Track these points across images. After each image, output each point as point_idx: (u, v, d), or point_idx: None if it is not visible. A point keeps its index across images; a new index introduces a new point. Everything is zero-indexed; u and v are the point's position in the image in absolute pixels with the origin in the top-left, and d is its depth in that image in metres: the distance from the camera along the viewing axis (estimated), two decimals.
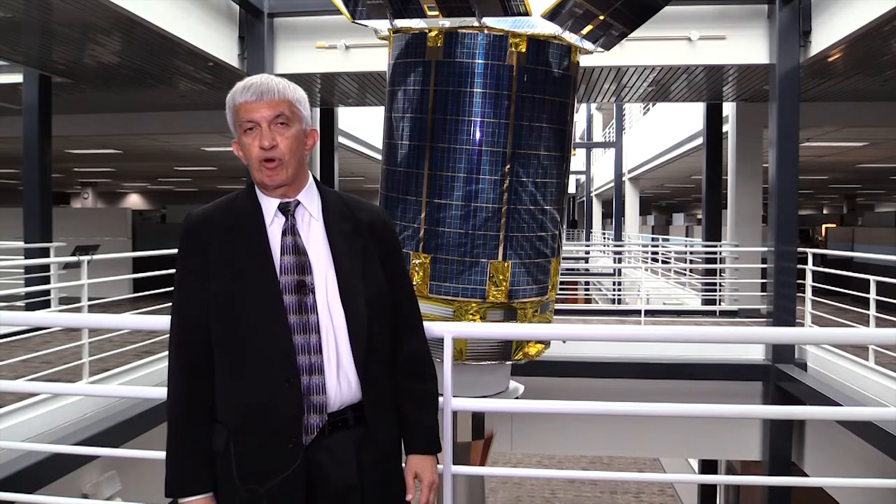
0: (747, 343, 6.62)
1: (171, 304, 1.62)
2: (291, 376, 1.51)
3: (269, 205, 1.60)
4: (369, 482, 1.57)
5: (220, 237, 1.53)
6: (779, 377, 6.53)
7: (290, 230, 1.58)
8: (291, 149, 1.56)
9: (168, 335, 1.63)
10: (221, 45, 6.65)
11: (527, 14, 2.46)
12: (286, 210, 1.59)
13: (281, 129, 1.55)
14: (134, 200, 29.88)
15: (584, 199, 28.24)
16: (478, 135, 2.57)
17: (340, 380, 1.55)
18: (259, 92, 1.54)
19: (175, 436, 1.59)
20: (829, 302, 6.94)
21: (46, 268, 7.43)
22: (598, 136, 28.28)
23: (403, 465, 1.73)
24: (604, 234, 26.80)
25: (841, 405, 5.28)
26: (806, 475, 6.36)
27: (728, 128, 10.18)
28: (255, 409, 1.53)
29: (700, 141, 10.99)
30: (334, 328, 1.55)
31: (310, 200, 1.62)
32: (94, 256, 5.73)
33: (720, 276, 9.39)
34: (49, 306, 7.29)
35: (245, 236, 1.54)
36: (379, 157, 4.71)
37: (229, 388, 1.56)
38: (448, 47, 2.57)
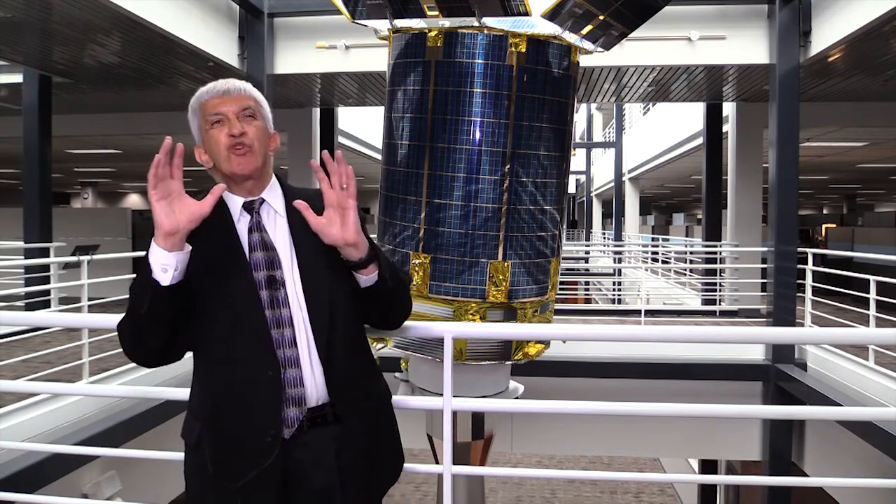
0: (747, 343, 6.62)
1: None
2: (272, 369, 1.52)
3: (234, 204, 1.61)
4: (350, 481, 1.56)
5: (190, 238, 1.51)
6: (779, 377, 6.52)
7: (256, 227, 1.59)
8: (259, 138, 1.58)
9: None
10: (221, 45, 6.65)
11: (527, 14, 2.46)
12: (251, 208, 1.60)
13: (248, 120, 1.57)
14: (134, 200, 29.87)
15: (584, 199, 28.24)
16: (478, 135, 2.57)
17: (315, 371, 1.56)
18: (225, 89, 1.58)
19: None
20: (829, 302, 6.94)
21: (46, 268, 7.43)
22: (598, 136, 28.28)
23: (396, 466, 1.73)
24: (604, 234, 26.81)
25: (841, 405, 5.28)
26: (806, 475, 6.36)
27: (728, 128, 10.18)
28: (235, 402, 1.53)
29: (700, 141, 11.00)
30: (304, 320, 1.56)
31: (274, 197, 1.63)
32: (94, 256, 5.73)
33: (720, 276, 9.38)
34: (49, 306, 7.29)
35: (215, 234, 1.54)
36: (379, 157, 4.71)
37: (209, 383, 1.57)
38: (448, 47, 2.57)
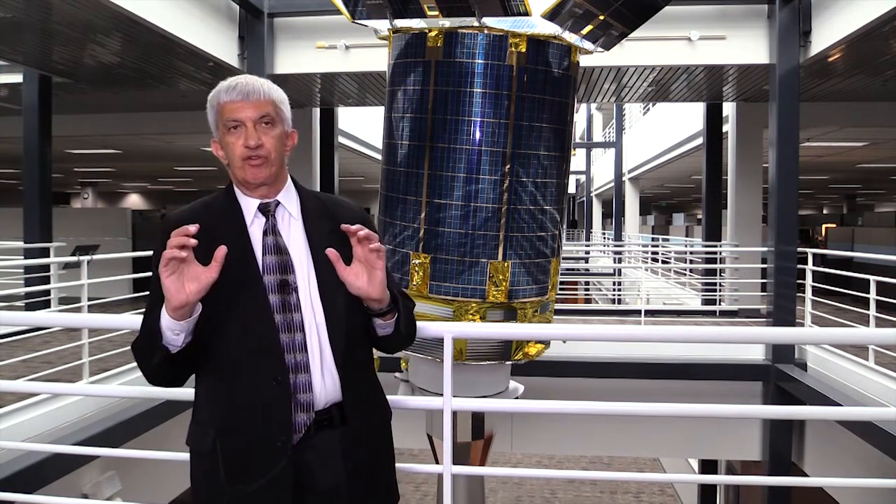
0: (747, 343, 6.61)
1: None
2: (280, 375, 1.52)
3: (248, 205, 1.60)
4: (356, 482, 1.57)
5: (201, 238, 1.48)
6: (779, 377, 6.52)
7: (271, 230, 1.59)
8: (276, 148, 1.58)
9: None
10: (221, 45, 6.64)
11: (527, 14, 2.46)
12: (266, 210, 1.60)
13: (265, 129, 1.56)
14: (134, 200, 29.88)
15: (584, 199, 28.24)
16: (478, 135, 2.57)
17: (325, 377, 1.56)
18: (245, 92, 1.56)
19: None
20: (829, 302, 6.94)
21: (46, 268, 7.42)
22: (598, 136, 28.28)
23: (395, 464, 1.72)
24: (604, 234, 26.80)
25: (841, 405, 5.28)
26: (806, 475, 6.36)
27: (728, 128, 10.18)
28: (244, 409, 1.53)
29: (700, 141, 10.99)
30: (317, 326, 1.56)
31: (289, 200, 1.63)
32: (94, 256, 5.73)
33: (720, 276, 9.38)
34: (49, 306, 7.29)
35: (226, 237, 1.52)
36: (379, 157, 4.71)
37: (217, 390, 1.57)
38: (448, 47, 2.57)
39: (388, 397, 1.76)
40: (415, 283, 2.65)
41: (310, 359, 1.55)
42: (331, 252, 1.52)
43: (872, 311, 5.67)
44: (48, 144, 7.76)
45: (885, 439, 4.52)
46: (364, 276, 1.54)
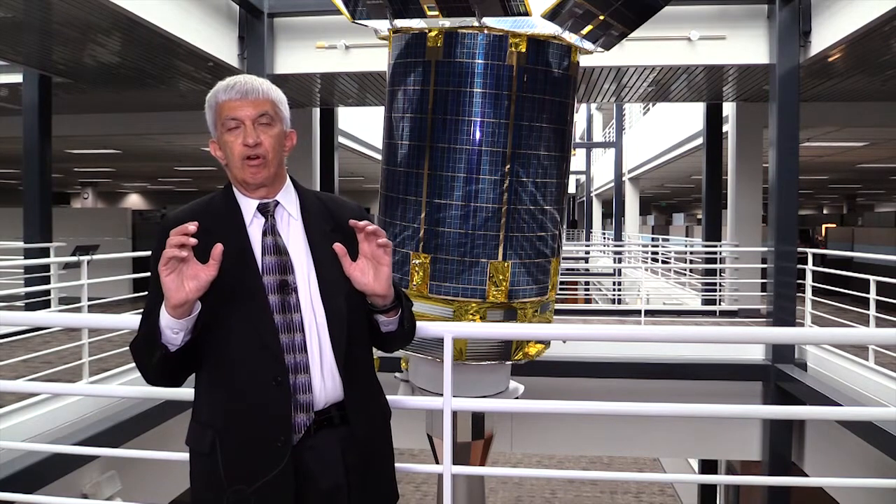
0: (747, 343, 6.62)
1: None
2: (280, 375, 1.51)
3: (248, 206, 1.60)
4: (355, 481, 1.57)
5: (200, 239, 1.47)
6: (779, 377, 6.53)
7: (270, 230, 1.58)
8: (275, 147, 1.57)
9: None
10: (221, 45, 6.64)
11: (527, 14, 2.46)
12: (265, 210, 1.59)
13: (264, 128, 1.56)
14: (134, 200, 29.87)
15: (584, 199, 28.23)
16: (478, 135, 2.57)
17: (325, 377, 1.56)
18: (243, 91, 1.55)
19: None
20: (829, 302, 6.94)
21: (46, 268, 7.43)
22: (598, 136, 28.28)
23: (395, 464, 1.72)
24: (604, 234, 26.80)
25: (841, 405, 5.28)
26: (806, 475, 6.36)
27: (728, 128, 10.18)
28: (243, 409, 1.53)
29: (700, 141, 11.00)
30: (317, 326, 1.56)
31: (288, 200, 1.63)
32: (94, 256, 5.73)
33: (720, 276, 9.39)
34: (49, 306, 7.29)
35: (225, 237, 1.51)
36: (379, 157, 4.71)
37: (216, 390, 1.56)
38: (448, 47, 2.57)
39: (388, 397, 1.76)
40: (415, 283, 2.65)
41: (309, 359, 1.54)
42: (338, 247, 1.52)
43: (872, 311, 5.68)
44: (48, 144, 7.76)
45: (885, 439, 4.52)
46: (370, 273, 1.55)
